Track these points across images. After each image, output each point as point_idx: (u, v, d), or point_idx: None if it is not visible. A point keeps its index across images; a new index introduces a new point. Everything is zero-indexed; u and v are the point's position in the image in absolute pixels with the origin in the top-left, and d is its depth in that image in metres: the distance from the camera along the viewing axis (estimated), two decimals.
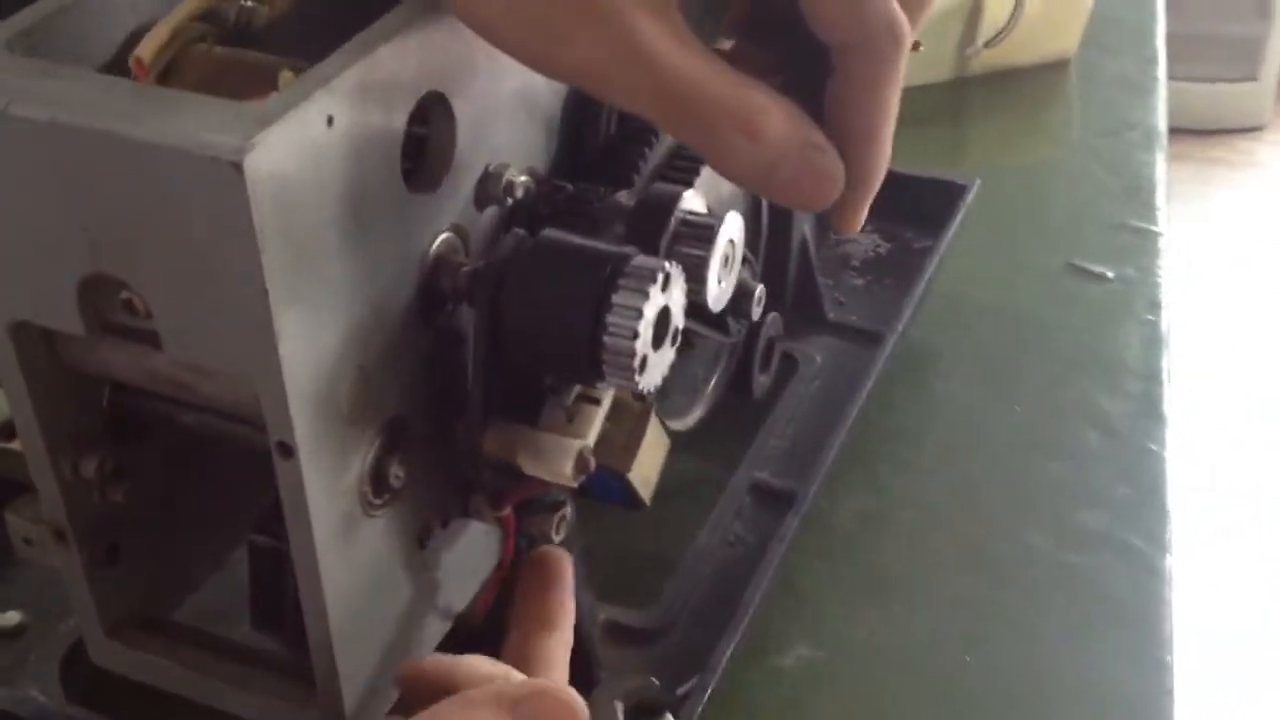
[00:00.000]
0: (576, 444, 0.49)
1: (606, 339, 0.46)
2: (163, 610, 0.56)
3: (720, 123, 0.41)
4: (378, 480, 0.49)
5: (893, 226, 0.93)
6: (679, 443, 0.78)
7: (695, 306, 0.55)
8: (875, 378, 0.79)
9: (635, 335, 0.45)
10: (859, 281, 0.90)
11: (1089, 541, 0.76)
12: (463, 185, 0.49)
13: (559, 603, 0.55)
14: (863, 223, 0.47)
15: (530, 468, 0.49)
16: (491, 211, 0.51)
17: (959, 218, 0.89)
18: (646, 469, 0.53)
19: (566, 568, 0.56)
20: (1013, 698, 0.68)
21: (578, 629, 0.63)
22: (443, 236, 0.49)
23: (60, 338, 0.48)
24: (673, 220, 0.51)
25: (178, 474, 0.54)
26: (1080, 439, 0.82)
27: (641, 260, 0.47)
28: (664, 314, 0.47)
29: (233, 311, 0.42)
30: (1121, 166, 1.07)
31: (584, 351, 0.46)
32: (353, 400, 0.46)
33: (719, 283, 0.52)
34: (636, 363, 0.46)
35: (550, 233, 0.48)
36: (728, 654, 0.64)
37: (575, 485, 0.49)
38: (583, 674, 0.64)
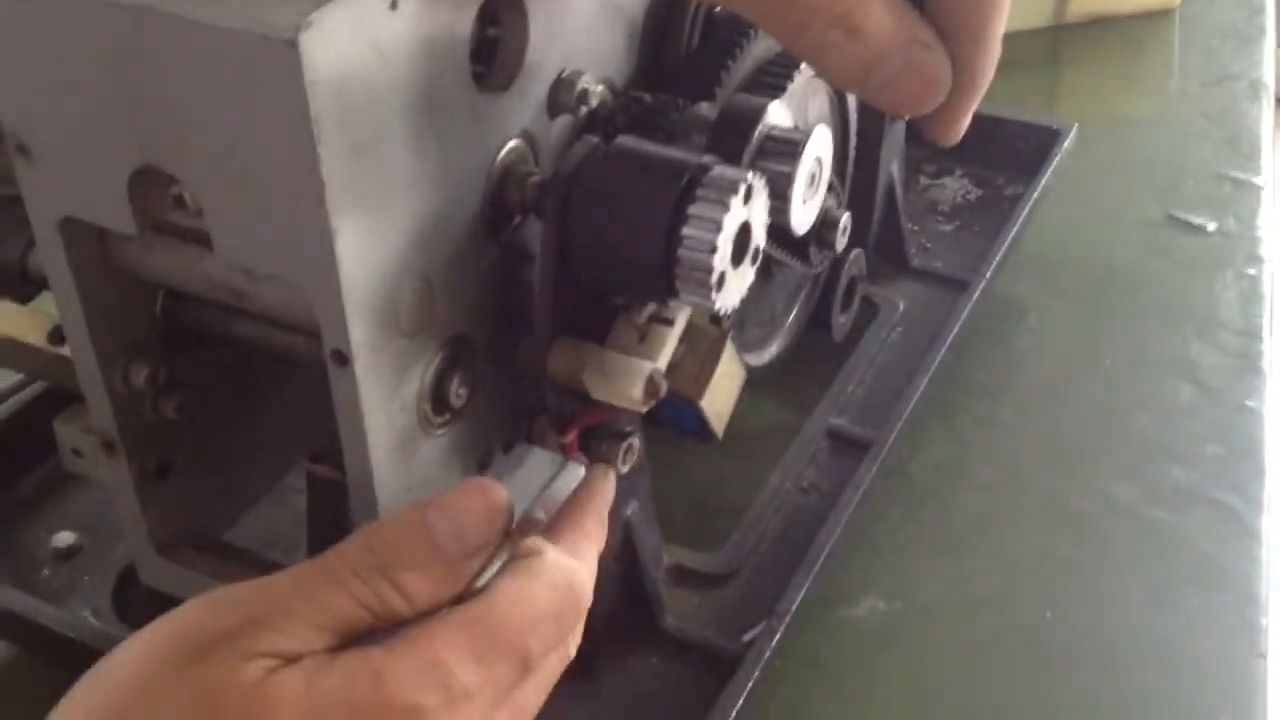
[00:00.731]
0: (647, 365, 0.46)
1: (682, 252, 0.43)
2: (216, 530, 0.54)
3: (816, 16, 0.38)
4: (438, 398, 0.46)
5: (984, 172, 0.90)
6: (754, 386, 0.75)
7: (777, 230, 0.52)
8: (959, 326, 0.76)
9: (713, 249, 0.43)
10: (946, 228, 0.87)
11: (1179, 498, 0.72)
12: (534, 89, 0.47)
13: (592, 509, 0.50)
14: (962, 134, 0.43)
15: (597, 389, 0.46)
16: (564, 121, 0.49)
17: (1054, 163, 0.85)
18: (720, 400, 0.51)
19: (605, 480, 0.51)
20: (1094, 656, 0.64)
21: (642, 570, 0.61)
22: (511, 144, 0.46)
23: (111, 238, 0.46)
24: (757, 132, 0.48)
25: (234, 389, 0.53)
26: (1173, 394, 0.78)
27: (722, 170, 0.44)
28: (744, 230, 0.44)
29: (287, 209, 0.40)
30: (1224, 117, 1.02)
31: (658, 266, 0.44)
32: (414, 311, 0.44)
33: (803, 203, 0.49)
34: (714, 279, 0.43)
35: (624, 140, 0.45)
36: (796, 600, 0.61)
37: (644, 410, 0.47)
38: (644, 616, 0.62)
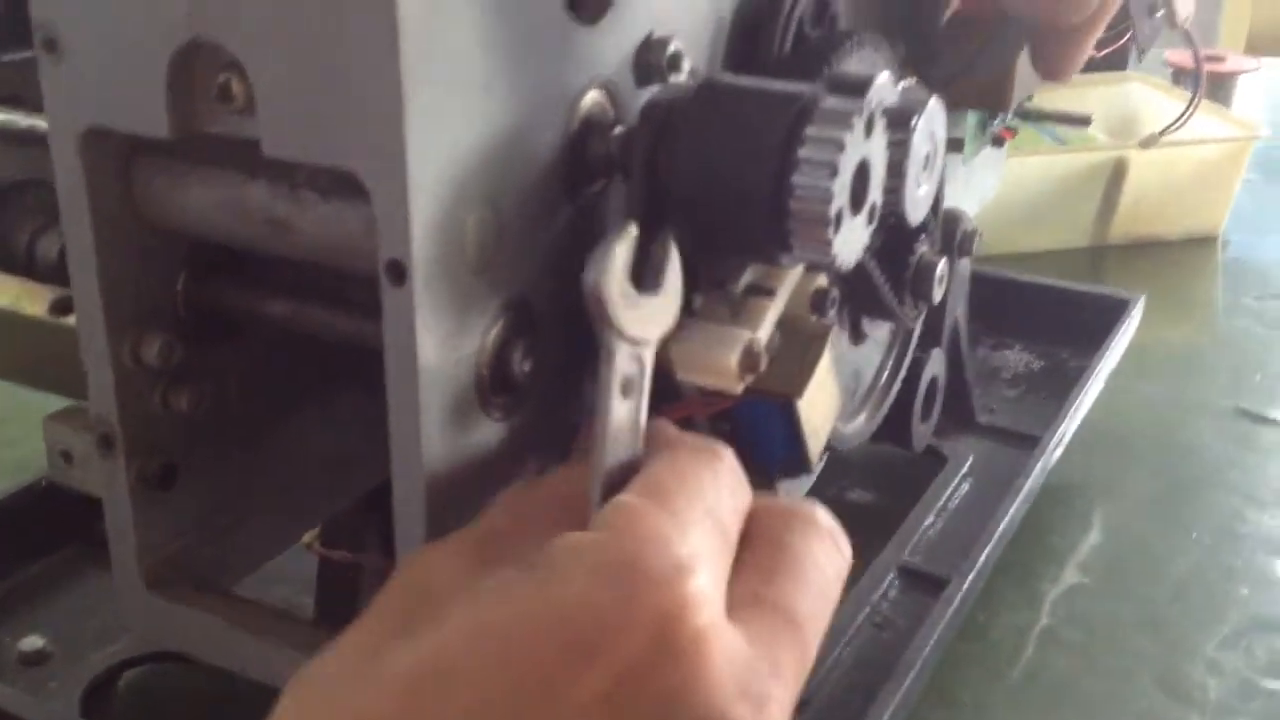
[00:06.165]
0: (744, 333, 0.40)
1: (797, 179, 0.37)
2: (219, 579, 0.46)
3: None
4: (499, 366, 0.40)
5: (1046, 345, 0.85)
6: None
7: (882, 243, 0.47)
8: (1033, 480, 0.69)
9: (834, 173, 0.37)
10: (1010, 393, 0.81)
11: None
12: (622, 35, 0.42)
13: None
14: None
15: (684, 364, 0.40)
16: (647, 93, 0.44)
17: (1122, 330, 0.80)
18: (817, 414, 0.44)
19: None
20: None
21: None
22: (593, 94, 0.41)
23: (137, 174, 0.41)
24: (868, 99, 0.43)
25: (257, 393, 0.46)
26: (1271, 568, 0.72)
27: (837, 100, 0.39)
28: (862, 170, 0.39)
29: (356, 87, 0.34)
30: None
31: (765, 205, 0.38)
32: (478, 243, 0.38)
33: (918, 185, 0.43)
34: (832, 212, 0.37)
35: (719, 75, 0.40)
36: None
37: (738, 389, 0.40)
38: None
